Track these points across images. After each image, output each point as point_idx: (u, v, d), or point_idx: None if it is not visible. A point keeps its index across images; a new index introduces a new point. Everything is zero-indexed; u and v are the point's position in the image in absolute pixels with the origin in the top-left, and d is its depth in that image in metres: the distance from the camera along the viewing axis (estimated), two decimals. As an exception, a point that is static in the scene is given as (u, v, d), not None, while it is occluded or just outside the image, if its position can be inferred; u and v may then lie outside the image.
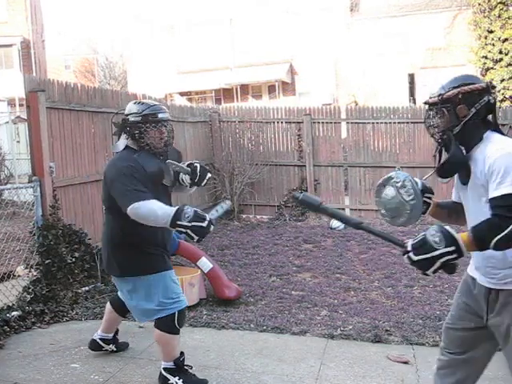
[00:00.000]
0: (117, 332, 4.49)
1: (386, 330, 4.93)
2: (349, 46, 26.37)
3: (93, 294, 5.87)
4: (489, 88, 2.60)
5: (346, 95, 26.06)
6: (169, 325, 3.69)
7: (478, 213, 2.52)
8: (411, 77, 26.50)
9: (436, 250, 2.32)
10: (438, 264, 2.33)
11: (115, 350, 4.47)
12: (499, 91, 19.10)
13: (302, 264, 7.42)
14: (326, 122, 10.98)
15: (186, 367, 3.87)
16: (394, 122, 10.78)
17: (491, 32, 19.19)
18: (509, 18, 19.00)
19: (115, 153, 3.84)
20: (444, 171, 2.68)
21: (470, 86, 2.57)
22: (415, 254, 2.37)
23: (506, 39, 18.95)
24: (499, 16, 18.98)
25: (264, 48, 27.77)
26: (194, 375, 3.90)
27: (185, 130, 9.78)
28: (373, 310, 5.47)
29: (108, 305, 4.37)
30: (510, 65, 19.02)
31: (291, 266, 7.28)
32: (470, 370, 2.77)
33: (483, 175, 2.45)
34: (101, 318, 5.27)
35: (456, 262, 2.36)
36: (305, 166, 10.95)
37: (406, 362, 4.34)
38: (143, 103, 3.77)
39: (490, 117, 2.63)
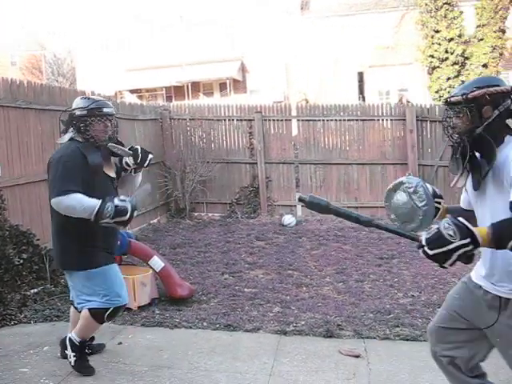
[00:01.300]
0: (92, 338, 4.40)
1: (338, 325, 4.99)
2: (300, 44, 26.54)
3: (42, 296, 5.72)
4: (511, 92, 2.56)
5: (297, 93, 26.22)
6: (97, 314, 3.83)
7: (495, 220, 2.45)
8: (360, 75, 26.89)
9: (451, 243, 2.23)
10: (454, 257, 2.24)
11: (89, 352, 4.33)
12: (445, 89, 19.58)
13: (255, 261, 7.44)
14: (277, 120, 11.03)
15: (86, 350, 4.10)
16: (344, 120, 10.91)
17: (437, 32, 19.63)
18: (454, 18, 19.48)
19: (59, 144, 3.98)
20: (477, 183, 2.60)
21: (496, 88, 2.53)
22: (430, 249, 2.27)
23: (451, 39, 19.42)
24: (445, 16, 19.44)
25: (215, 45, 27.69)
26: (88, 361, 4.05)
27: (135, 127, 9.67)
28: (325, 306, 5.53)
29: (72, 307, 4.28)
30: (455, 64, 19.50)
31: (243, 264, 7.29)
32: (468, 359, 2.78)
33: (506, 180, 2.42)
34: (51, 321, 5.21)
35: (473, 251, 2.28)
36: (256, 163, 10.97)
37: (357, 356, 4.40)
38: (89, 98, 3.97)
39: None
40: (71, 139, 3.84)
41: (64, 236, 3.81)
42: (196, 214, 10.89)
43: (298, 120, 11.12)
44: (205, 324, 5.07)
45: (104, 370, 4.12)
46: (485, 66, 19.28)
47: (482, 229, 2.27)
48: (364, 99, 25.27)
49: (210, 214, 11.04)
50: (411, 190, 2.68)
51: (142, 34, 28.87)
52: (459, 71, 19.60)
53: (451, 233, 2.24)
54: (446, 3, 19.34)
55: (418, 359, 4.23)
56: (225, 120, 11.22)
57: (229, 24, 27.60)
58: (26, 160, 6.53)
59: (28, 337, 4.82)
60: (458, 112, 2.58)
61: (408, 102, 15.71)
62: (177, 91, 28.99)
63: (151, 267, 5.64)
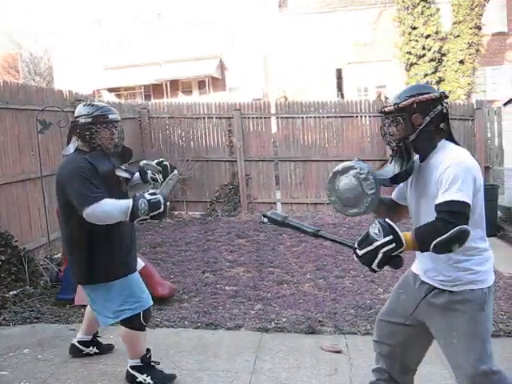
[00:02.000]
0: (96, 334, 4.41)
1: (319, 321, 5.02)
2: (278, 41, 26.56)
3: (21, 298, 5.66)
4: (442, 97, 2.69)
5: (276, 90, 26.25)
6: (134, 322, 3.70)
7: (427, 219, 2.55)
8: (339, 72, 26.99)
9: (376, 240, 2.36)
10: (380, 255, 2.35)
11: (97, 351, 4.35)
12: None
13: (235, 259, 7.44)
14: (256, 117, 11.03)
15: (152, 363, 3.88)
16: (323, 117, 10.95)
17: (414, 28, 19.76)
18: (431, 15, 19.61)
19: (64, 156, 3.80)
20: (399, 179, 2.76)
21: (425, 96, 2.65)
22: (360, 249, 2.41)
23: (428, 35, 19.56)
24: (422, 13, 19.57)
25: (194, 43, 27.59)
26: (162, 371, 3.90)
27: (113, 126, 9.60)
28: (306, 302, 5.55)
29: (88, 306, 4.22)
30: (432, 60, 19.65)
31: (224, 262, 7.29)
32: (402, 364, 2.87)
33: (435, 183, 2.55)
34: (30, 323, 5.16)
35: (400, 255, 2.39)
36: (236, 161, 10.96)
37: (338, 352, 4.43)
38: (93, 105, 3.78)
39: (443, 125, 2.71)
40: (77, 150, 3.69)
41: (82, 250, 3.63)
42: (176, 212, 10.85)
43: (277, 117, 11.13)
44: (186, 323, 5.07)
45: (85, 372, 4.10)
46: (461, 62, 19.45)
47: (406, 234, 2.41)
48: (343, 96, 25.37)
49: (191, 213, 11.01)
50: (362, 176, 2.73)
51: (120, 33, 28.66)
52: (436, 68, 19.75)
53: (376, 231, 2.38)
54: (422, 0, 19.47)
55: (399, 354, 4.26)
56: (204, 118, 11.20)
57: (207, 22, 27.50)
58: (3, 161, 6.46)
59: (7, 339, 4.78)
60: (392, 121, 2.72)
61: (386, 98, 15.77)
62: (155, 89, 28.85)
63: (131, 267, 5.60)
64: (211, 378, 3.99)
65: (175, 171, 4.05)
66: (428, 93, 2.68)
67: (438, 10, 19.80)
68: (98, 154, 3.64)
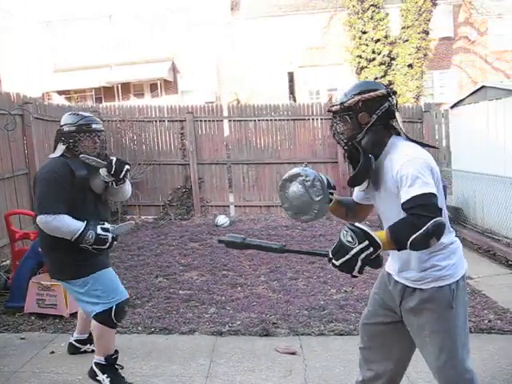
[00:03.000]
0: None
1: (273, 323, 5.03)
2: (230, 44, 26.56)
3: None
4: (389, 94, 2.64)
5: (229, 93, 26.24)
6: (105, 317, 3.76)
7: (394, 217, 2.53)
8: (291, 75, 27.14)
9: (352, 248, 2.30)
10: (359, 262, 2.30)
11: (94, 349, 4.27)
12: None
13: (189, 263, 7.40)
14: (209, 120, 11.01)
15: (116, 366, 3.90)
16: (275, 120, 11.02)
17: (365, 33, 20.04)
18: (380, 20, 19.93)
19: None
20: (355, 181, 2.70)
21: (371, 94, 2.60)
22: (336, 259, 2.35)
23: (378, 40, 19.87)
24: (372, 18, 19.87)
25: (145, 46, 27.31)
26: (123, 377, 3.90)
27: (63, 130, 9.42)
28: (260, 305, 5.56)
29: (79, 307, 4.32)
30: (382, 64, 19.97)
31: (178, 266, 7.24)
32: (391, 366, 2.82)
33: (393, 182, 2.49)
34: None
35: (379, 255, 2.35)
36: (188, 164, 10.92)
37: (293, 353, 4.45)
38: (78, 114, 3.94)
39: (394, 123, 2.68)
40: (62, 155, 3.83)
41: (56, 248, 3.76)
42: (129, 216, 10.72)
43: (230, 120, 11.14)
44: (139, 328, 5.01)
45: (36, 381, 4.01)
46: (410, 66, 19.83)
47: (381, 233, 2.35)
48: (295, 99, 25.54)
49: (143, 217, 10.91)
50: (308, 183, 2.71)
51: (69, 34, 28.15)
52: (386, 71, 20.08)
53: (350, 239, 2.31)
54: (372, 5, 19.77)
55: (353, 353, 4.29)
56: (156, 121, 11.12)
57: (159, 23, 27.29)
58: None
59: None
60: (339, 120, 2.69)
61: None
62: (106, 92, 28.43)
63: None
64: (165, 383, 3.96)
65: (132, 222, 4.45)
66: (374, 90, 2.63)
67: (387, 14, 20.14)
68: (79, 161, 3.78)
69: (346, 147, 2.71)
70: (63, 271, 3.82)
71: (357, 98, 2.61)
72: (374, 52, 19.99)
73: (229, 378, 4.04)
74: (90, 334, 4.44)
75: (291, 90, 27.15)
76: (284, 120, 11.03)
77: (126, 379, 3.92)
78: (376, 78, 19.97)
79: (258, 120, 11.00)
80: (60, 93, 27.89)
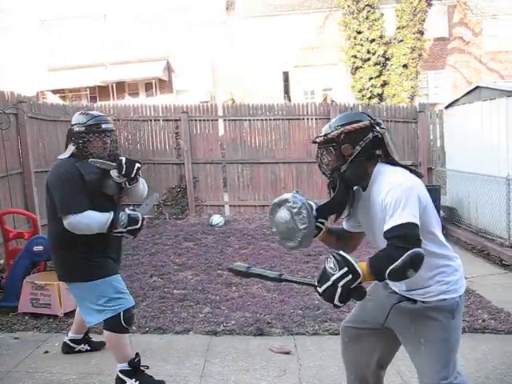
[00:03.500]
0: (87, 332, 4.47)
1: (268, 323, 5.04)
2: (225, 44, 26.55)
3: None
4: (372, 125, 2.60)
5: (224, 93, 26.22)
6: (115, 324, 3.70)
7: (383, 245, 2.51)
8: (286, 75, 27.14)
9: (333, 275, 2.32)
10: (339, 289, 2.31)
11: (89, 349, 4.38)
12: (367, 89, 20.08)
13: (183, 262, 7.40)
14: (204, 120, 11.00)
15: (142, 368, 3.86)
16: (270, 119, 11.02)
17: (360, 33, 20.08)
18: (375, 20, 19.98)
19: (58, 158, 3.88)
20: (324, 211, 2.70)
21: (353, 125, 2.58)
22: (319, 287, 2.37)
23: (373, 40, 19.91)
24: (367, 18, 19.91)
25: (140, 45, 27.27)
26: (151, 377, 3.88)
27: (58, 129, 9.37)
28: (254, 304, 5.56)
29: (77, 308, 4.28)
30: (377, 64, 20.01)
31: (172, 265, 7.23)
32: (369, 368, 2.86)
33: (381, 209, 2.47)
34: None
35: (362, 286, 2.36)
36: (183, 163, 10.91)
37: (287, 353, 4.45)
38: (88, 114, 3.85)
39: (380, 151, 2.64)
40: (72, 155, 3.76)
41: (70, 247, 3.68)
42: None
43: (225, 120, 11.13)
44: (134, 328, 4.98)
45: (30, 381, 4.00)
46: (405, 66, 19.88)
47: (363, 263, 2.36)
48: (289, 99, 25.54)
49: (138, 216, 10.86)
50: (295, 210, 2.66)
51: (65, 33, 28.08)
52: (381, 71, 20.12)
53: (332, 265, 2.34)
54: (367, 5, 19.81)
55: (346, 353, 4.32)
56: (151, 120, 11.10)
57: (154, 22, 27.25)
58: None
59: None
60: (324, 151, 2.67)
61: (332, 101, 15.97)
62: (101, 91, 28.37)
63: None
64: (160, 383, 3.95)
65: (156, 194, 4.26)
66: (357, 121, 2.60)
67: (382, 15, 20.19)
68: (88, 162, 3.69)
69: (331, 178, 2.68)
70: (74, 272, 3.71)
71: (340, 130, 2.59)
72: (368, 52, 20.03)
73: (223, 378, 4.04)
74: (85, 334, 4.49)
75: (286, 90, 27.16)
76: (279, 120, 11.03)
77: (160, 379, 3.92)
78: (371, 78, 20.02)
79: (253, 119, 11.00)
80: (55, 92, 27.81)
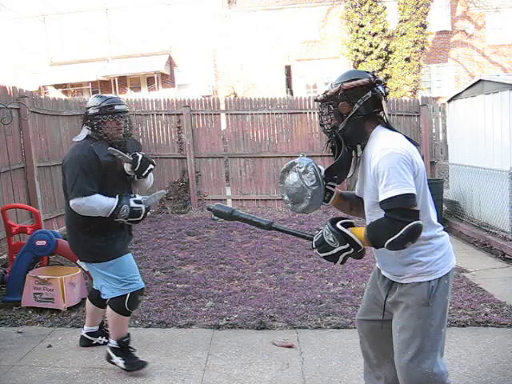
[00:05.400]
0: (102, 324, 4.53)
1: (271, 317, 5.04)
2: (227, 38, 26.48)
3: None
4: (372, 83, 2.54)
5: (226, 87, 26.18)
6: (119, 305, 3.90)
7: (370, 210, 2.56)
8: (288, 69, 27.08)
9: (333, 248, 2.41)
10: (340, 259, 2.45)
11: (107, 341, 4.36)
12: (370, 82, 20.01)
13: (186, 256, 7.40)
14: (206, 114, 11.00)
15: (129, 348, 4.04)
16: (273, 113, 11.01)
17: (362, 26, 19.99)
18: (378, 13, 19.89)
19: (74, 142, 4.01)
20: (332, 172, 2.69)
21: (352, 82, 2.52)
22: (319, 251, 2.47)
23: (375, 33, 19.83)
24: (369, 11, 19.82)
25: (142, 39, 27.20)
26: (137, 357, 4.04)
27: (60, 124, 9.38)
28: (257, 298, 5.57)
29: (87, 299, 4.42)
30: (379, 57, 19.93)
31: (175, 259, 7.24)
32: (390, 367, 2.80)
33: (371, 175, 2.45)
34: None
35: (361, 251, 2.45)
36: (185, 157, 10.91)
37: (290, 346, 4.46)
38: (102, 96, 3.99)
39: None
40: (87, 137, 3.89)
41: (85, 230, 3.86)
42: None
43: (227, 114, 11.13)
44: (137, 322, 5.01)
45: (33, 375, 4.01)
46: (407, 59, 19.80)
47: (359, 231, 2.40)
48: (292, 93, 25.50)
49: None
50: (302, 169, 2.68)
51: (66, 27, 28.04)
52: (383, 65, 20.05)
53: (331, 239, 2.41)
54: (369, -2, 19.76)
55: (349, 346, 4.34)
56: (153, 115, 11.10)
57: (156, 17, 27.19)
58: None
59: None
60: (324, 109, 2.65)
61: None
62: (103, 86, 28.34)
63: (80, 266, 5.51)
64: (163, 377, 3.96)
65: (163, 190, 4.52)
66: (356, 79, 2.54)
67: (384, 8, 20.10)
68: (104, 143, 3.84)
69: (330, 137, 2.67)
70: (89, 253, 3.90)
71: (337, 87, 2.55)
72: (371, 45, 19.95)
73: (226, 372, 4.05)
74: (101, 326, 4.53)
75: (288, 84, 27.10)
76: (281, 113, 11.02)
77: (143, 360, 4.05)
78: (373, 72, 19.96)
79: (255, 113, 10.99)
80: (57, 86, 27.79)
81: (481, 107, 8.36)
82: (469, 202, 8.86)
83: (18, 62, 27.17)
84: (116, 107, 3.89)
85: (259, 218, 2.79)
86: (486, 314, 5.01)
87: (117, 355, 3.98)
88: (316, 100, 2.73)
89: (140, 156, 3.97)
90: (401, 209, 2.29)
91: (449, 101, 9.80)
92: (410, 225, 2.27)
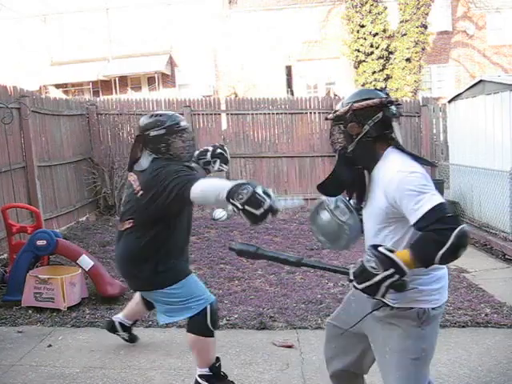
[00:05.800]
0: (135, 322, 4.47)
1: (271, 317, 5.04)
2: (228, 38, 26.49)
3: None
4: (384, 104, 2.43)
5: (226, 87, 26.18)
6: (201, 326, 3.54)
7: (370, 235, 2.45)
8: (288, 69, 27.07)
9: (375, 275, 2.17)
10: (383, 288, 2.18)
11: (126, 339, 4.35)
12: (371, 83, 20.03)
13: (187, 256, 7.39)
14: (206, 114, 11.00)
15: (222, 374, 3.72)
16: (273, 113, 11.01)
17: (363, 26, 20.02)
18: (379, 14, 19.92)
19: (140, 172, 3.49)
20: (323, 187, 2.58)
21: (362, 103, 2.42)
22: (358, 283, 2.23)
23: (376, 33, 19.86)
24: (370, 11, 19.86)
25: (142, 39, 27.21)
26: (232, 382, 3.76)
27: (61, 123, 9.39)
28: (257, 298, 5.57)
29: (138, 294, 4.18)
30: (380, 58, 19.96)
31: (176, 259, 7.22)
32: (350, 366, 2.78)
33: (384, 199, 2.33)
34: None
35: (403, 280, 2.19)
36: (186, 158, 10.89)
37: (290, 346, 4.46)
38: (162, 115, 3.59)
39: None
40: (154, 159, 3.46)
41: (149, 258, 3.46)
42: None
43: (228, 114, 11.13)
44: (137, 322, 5.00)
45: (33, 375, 4.01)
46: (408, 60, 19.83)
47: (404, 254, 2.20)
48: (292, 93, 25.50)
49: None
50: (332, 206, 2.59)
51: (67, 27, 28.06)
52: (384, 65, 20.08)
53: (373, 265, 2.19)
54: (370, -2, 19.78)
55: (349, 347, 4.33)
56: (153, 115, 11.07)
57: (156, 17, 27.20)
58: None
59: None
60: (334, 129, 2.55)
61: (335, 95, 15.95)
62: (104, 85, 28.34)
63: (80, 266, 5.52)
64: (163, 377, 3.97)
65: (302, 201, 3.55)
66: (366, 99, 2.43)
67: (385, 8, 20.13)
68: (175, 164, 3.39)
69: (338, 156, 2.57)
70: (154, 281, 3.49)
71: (347, 107, 2.45)
72: (372, 46, 19.98)
73: (226, 371, 4.03)
74: (133, 323, 4.47)
75: (289, 84, 27.09)
76: (282, 114, 11.02)
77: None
78: (374, 72, 19.98)
79: (256, 114, 10.99)
80: (57, 86, 27.80)
81: (481, 108, 8.36)
82: (469, 203, 8.85)
83: (18, 62, 27.18)
84: (182, 124, 3.54)
85: (286, 254, 2.58)
86: (486, 315, 5.02)
87: (210, 382, 3.61)
88: (326, 119, 2.64)
89: (226, 149, 4.08)
90: (442, 217, 2.16)
91: (449, 101, 9.80)
92: (457, 230, 2.12)
